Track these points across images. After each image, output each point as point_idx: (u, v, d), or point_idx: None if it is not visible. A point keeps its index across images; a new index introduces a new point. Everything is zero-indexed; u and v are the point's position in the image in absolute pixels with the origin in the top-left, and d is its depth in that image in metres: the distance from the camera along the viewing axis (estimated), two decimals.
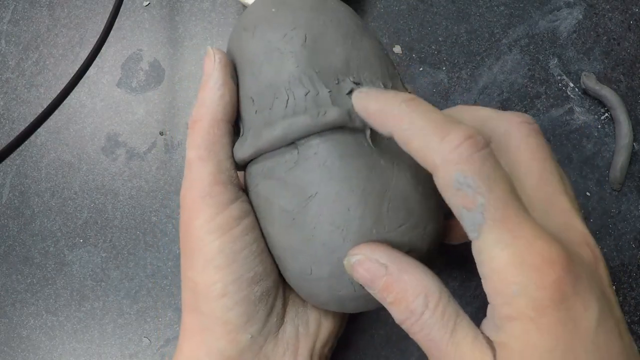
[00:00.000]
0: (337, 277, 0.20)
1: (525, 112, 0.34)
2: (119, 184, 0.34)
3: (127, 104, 0.35)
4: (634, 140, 0.33)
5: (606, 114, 0.34)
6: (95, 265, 0.33)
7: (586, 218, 0.32)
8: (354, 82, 0.21)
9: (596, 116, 0.34)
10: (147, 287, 0.32)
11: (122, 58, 0.36)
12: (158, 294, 0.32)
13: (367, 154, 0.20)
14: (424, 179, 0.21)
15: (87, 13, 0.37)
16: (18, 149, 0.28)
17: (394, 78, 0.22)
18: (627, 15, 0.35)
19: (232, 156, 0.22)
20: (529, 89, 0.34)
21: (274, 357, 0.22)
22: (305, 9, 0.21)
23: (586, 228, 0.19)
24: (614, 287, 0.31)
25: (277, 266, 0.23)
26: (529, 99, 0.34)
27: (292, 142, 0.20)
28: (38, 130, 0.26)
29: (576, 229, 0.19)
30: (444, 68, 0.35)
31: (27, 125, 0.25)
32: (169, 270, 0.33)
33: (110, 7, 0.32)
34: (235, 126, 0.23)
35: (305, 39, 0.21)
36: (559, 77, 0.35)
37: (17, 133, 0.25)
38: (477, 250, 0.17)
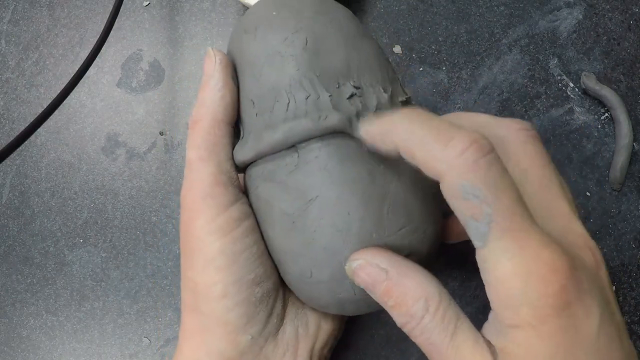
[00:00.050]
0: (337, 280, 0.20)
1: (525, 112, 0.34)
2: (119, 184, 0.34)
3: (127, 104, 0.35)
4: (634, 140, 0.33)
5: (606, 114, 0.34)
6: (95, 265, 0.33)
7: (586, 218, 0.32)
8: (355, 86, 0.21)
9: (596, 116, 0.34)
10: (147, 287, 0.32)
11: (122, 58, 0.36)
12: (158, 294, 0.32)
13: (367, 158, 0.20)
14: (423, 183, 0.21)
15: (87, 13, 0.37)
16: (18, 149, 0.28)
17: (394, 82, 0.22)
18: (627, 15, 0.35)
19: (233, 158, 0.22)
20: (529, 89, 0.34)
21: (273, 358, 0.22)
22: (307, 12, 0.21)
23: (586, 232, 0.19)
24: (614, 287, 0.31)
25: (277, 268, 0.23)
26: (529, 99, 0.34)
27: (292, 146, 0.20)
28: (38, 130, 0.26)
29: (577, 233, 0.19)
30: (444, 68, 0.35)
31: (27, 125, 0.25)
32: (169, 270, 0.33)
33: (110, 7, 0.32)
34: (235, 128, 0.23)
35: (307, 42, 0.21)
36: (559, 77, 0.35)
37: (17, 133, 0.25)
38: (482, 259, 0.17)
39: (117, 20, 0.32)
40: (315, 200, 0.20)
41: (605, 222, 0.32)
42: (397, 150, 0.18)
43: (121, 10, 0.32)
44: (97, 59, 0.30)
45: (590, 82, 0.33)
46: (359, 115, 0.20)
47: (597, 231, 0.32)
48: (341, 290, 0.21)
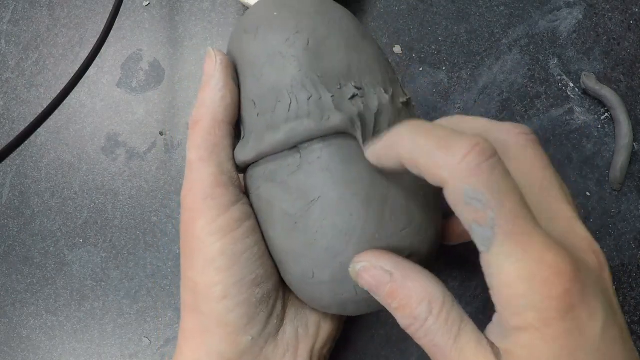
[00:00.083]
0: (339, 281, 0.20)
1: (525, 112, 0.34)
2: (119, 184, 0.34)
3: (127, 104, 0.35)
4: (634, 140, 0.33)
5: (606, 114, 0.34)
6: (95, 265, 0.33)
7: (586, 218, 0.32)
8: (356, 87, 0.21)
9: (596, 116, 0.34)
10: (147, 287, 0.32)
11: (122, 58, 0.36)
12: (158, 294, 0.32)
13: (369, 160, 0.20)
14: (424, 184, 0.21)
15: (87, 13, 0.37)
16: (18, 149, 0.28)
17: (394, 83, 0.22)
18: (627, 15, 0.35)
19: (233, 158, 0.22)
20: (529, 89, 0.34)
21: (274, 358, 0.22)
22: (308, 13, 0.21)
23: (589, 234, 0.19)
24: (613, 287, 0.31)
25: (277, 269, 0.23)
26: (529, 99, 0.34)
27: (294, 146, 0.20)
28: (38, 130, 0.26)
29: (581, 236, 0.19)
30: (444, 68, 0.35)
31: (27, 125, 0.25)
32: (169, 270, 0.33)
33: (110, 7, 0.32)
34: (235, 128, 0.23)
35: (308, 43, 0.20)
36: (559, 77, 0.35)
37: (17, 133, 0.25)
38: (486, 263, 0.17)
39: (117, 20, 0.32)
40: (318, 201, 0.20)
41: (605, 222, 0.32)
42: (402, 163, 0.18)
43: (121, 10, 0.32)
44: (97, 59, 0.30)
45: (590, 82, 0.33)
46: (361, 115, 0.20)
47: (597, 231, 0.32)
48: (343, 290, 0.21)
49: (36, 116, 0.25)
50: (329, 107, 0.20)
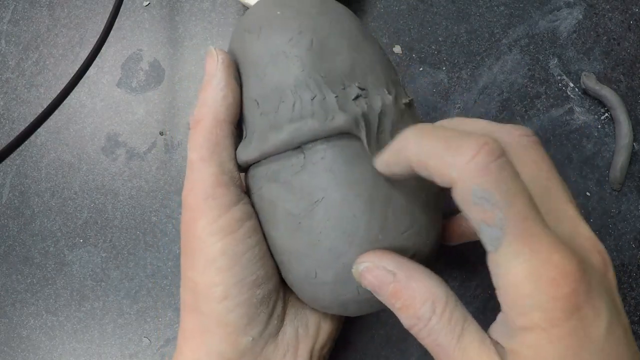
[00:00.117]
0: (341, 281, 0.20)
1: (525, 112, 0.34)
2: (119, 184, 0.34)
3: (127, 104, 0.35)
4: (634, 140, 0.33)
5: (606, 114, 0.34)
6: (95, 265, 0.33)
7: (586, 218, 0.32)
8: (360, 88, 0.20)
9: (596, 116, 0.34)
10: (147, 287, 0.32)
11: (122, 58, 0.36)
12: (158, 294, 0.32)
13: (372, 161, 0.20)
14: (426, 185, 0.21)
15: (87, 13, 0.37)
16: (18, 149, 0.28)
17: (397, 84, 0.22)
18: (627, 15, 0.35)
19: (235, 158, 0.22)
20: (529, 89, 0.34)
21: (274, 359, 0.22)
22: (311, 13, 0.21)
23: (593, 234, 0.19)
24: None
25: (278, 269, 0.23)
26: (529, 99, 0.34)
27: (298, 146, 0.20)
28: (38, 130, 0.26)
29: (585, 236, 0.19)
30: (444, 68, 0.35)
31: (27, 125, 0.25)
32: (169, 270, 0.33)
33: (110, 7, 0.32)
34: (237, 128, 0.23)
35: (312, 43, 0.20)
36: (559, 77, 0.35)
37: (17, 133, 0.25)
38: (493, 263, 0.17)
39: (117, 20, 0.32)
40: (321, 202, 0.20)
41: (605, 222, 0.32)
42: (411, 166, 0.18)
43: (121, 10, 0.32)
44: (97, 59, 0.30)
45: (590, 82, 0.33)
46: (365, 116, 0.20)
47: (597, 231, 0.32)
48: (345, 291, 0.21)
49: (36, 116, 0.25)
50: (332, 108, 0.20)
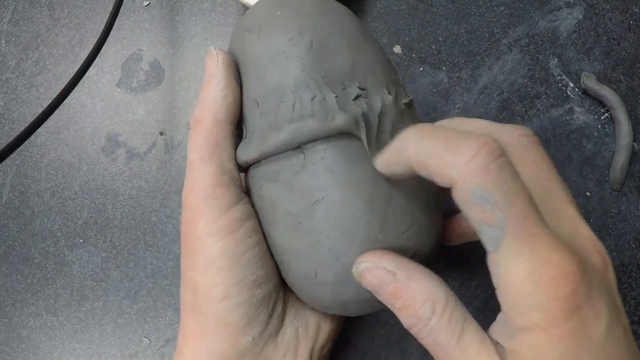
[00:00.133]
0: (341, 281, 0.20)
1: (525, 112, 0.34)
2: (119, 184, 0.34)
3: (127, 104, 0.35)
4: (634, 140, 0.33)
5: (606, 114, 0.34)
6: (95, 265, 0.33)
7: (586, 218, 0.32)
8: (360, 88, 0.20)
9: (596, 116, 0.34)
10: (147, 287, 0.32)
11: (122, 58, 0.36)
12: (158, 294, 0.32)
13: (372, 161, 0.20)
14: (426, 185, 0.21)
15: (87, 13, 0.37)
16: (18, 149, 0.28)
17: (397, 84, 0.22)
18: (627, 15, 0.35)
19: (235, 158, 0.22)
20: (529, 89, 0.34)
21: (274, 359, 0.22)
22: (311, 13, 0.21)
23: (593, 234, 0.19)
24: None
25: (278, 269, 0.23)
26: (529, 99, 0.34)
27: (298, 146, 0.20)
28: (38, 130, 0.26)
29: (585, 236, 0.19)
30: (444, 68, 0.35)
31: (27, 125, 0.25)
32: (169, 270, 0.33)
33: (110, 7, 0.32)
34: (237, 128, 0.23)
35: (312, 43, 0.20)
36: (559, 77, 0.35)
37: (17, 133, 0.25)
38: (493, 263, 0.17)
39: (117, 20, 0.32)
40: (321, 202, 0.20)
41: (605, 222, 0.32)
42: (411, 166, 0.18)
43: (121, 10, 0.32)
44: (97, 59, 0.30)
45: (590, 82, 0.33)
46: (365, 116, 0.20)
47: (597, 231, 0.32)
48: (345, 291, 0.21)
49: (36, 116, 0.25)
50: (333, 108, 0.20)
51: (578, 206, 0.20)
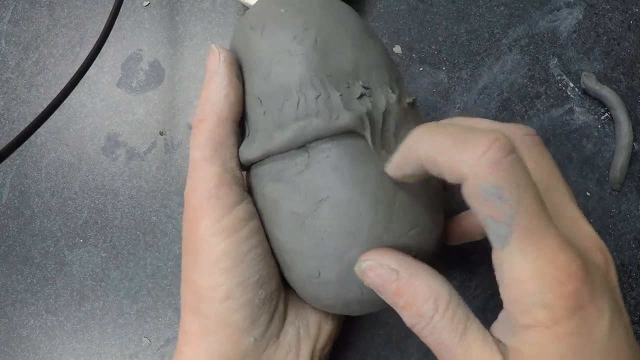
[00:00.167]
0: (345, 280, 0.20)
1: (525, 112, 0.34)
2: (119, 184, 0.34)
3: (127, 104, 0.35)
4: (634, 140, 0.33)
5: (606, 114, 0.34)
6: (95, 265, 0.33)
7: (586, 218, 0.32)
8: (364, 87, 0.20)
9: (596, 116, 0.34)
10: (147, 287, 0.32)
11: (122, 58, 0.36)
12: (158, 294, 0.32)
13: (377, 160, 0.20)
14: (430, 184, 0.21)
15: (87, 13, 0.37)
16: (18, 149, 0.28)
17: (400, 83, 0.22)
18: (627, 15, 0.35)
19: (237, 156, 0.22)
20: (529, 89, 0.34)
21: (275, 359, 0.22)
22: (315, 11, 0.21)
23: (595, 233, 0.19)
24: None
25: (279, 269, 0.23)
26: (529, 99, 0.34)
27: (302, 145, 0.20)
28: (38, 130, 0.26)
29: (587, 235, 0.19)
30: (444, 68, 0.35)
31: (27, 125, 0.25)
32: (169, 270, 0.33)
33: (110, 7, 0.32)
34: (239, 126, 0.23)
35: (316, 41, 0.20)
36: (559, 77, 0.35)
37: (17, 133, 0.25)
38: (498, 260, 0.17)
39: (117, 20, 0.32)
40: (326, 201, 0.20)
41: (605, 222, 0.32)
42: (422, 164, 0.18)
43: (121, 10, 0.32)
44: (97, 59, 0.30)
45: (590, 82, 0.33)
46: (369, 115, 0.20)
47: (597, 231, 0.32)
48: (348, 290, 0.21)
49: (36, 116, 0.25)
50: (337, 106, 0.20)
51: (578, 206, 0.20)
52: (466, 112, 0.34)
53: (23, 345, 0.32)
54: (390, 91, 0.21)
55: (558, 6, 0.36)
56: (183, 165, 0.34)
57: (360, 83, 0.20)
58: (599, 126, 0.34)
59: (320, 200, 0.20)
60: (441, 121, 0.24)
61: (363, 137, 0.20)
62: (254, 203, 0.22)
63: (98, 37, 0.30)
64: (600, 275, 0.17)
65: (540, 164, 0.21)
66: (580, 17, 0.36)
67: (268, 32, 0.21)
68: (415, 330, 0.19)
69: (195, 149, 0.21)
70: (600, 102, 0.34)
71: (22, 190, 0.34)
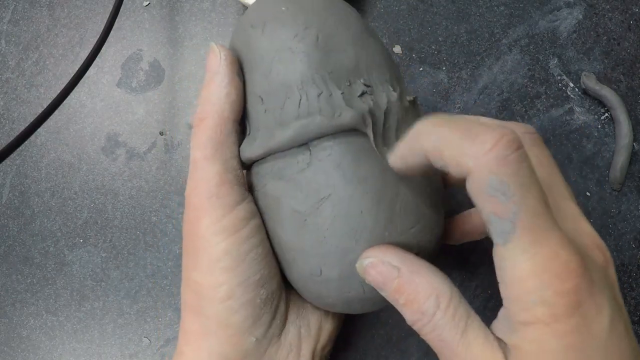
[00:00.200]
0: (347, 278, 0.20)
1: (525, 112, 0.34)
2: (119, 184, 0.34)
3: (127, 104, 0.35)
4: (634, 140, 0.33)
5: (606, 114, 0.34)
6: (95, 265, 0.33)
7: (586, 218, 0.32)
8: (365, 85, 0.20)
9: (596, 116, 0.34)
10: (147, 287, 0.32)
11: (122, 58, 0.36)
12: (158, 294, 0.32)
13: (379, 157, 0.20)
14: (432, 182, 0.21)
15: (87, 13, 0.37)
16: (18, 149, 0.28)
17: (400, 82, 0.22)
18: (627, 15, 0.35)
19: (238, 155, 0.22)
20: (529, 89, 0.34)
21: (277, 359, 0.22)
22: (316, 10, 0.21)
23: (595, 231, 0.19)
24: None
25: (280, 268, 0.22)
26: (529, 99, 0.34)
27: (304, 143, 0.20)
28: (38, 130, 0.26)
29: (587, 233, 0.19)
30: (444, 68, 0.35)
31: (27, 125, 0.25)
32: (169, 270, 0.32)
33: (110, 7, 0.32)
34: (240, 125, 0.23)
35: (317, 39, 0.20)
36: (559, 77, 0.35)
37: (17, 133, 0.24)
38: (500, 256, 0.17)
39: (117, 20, 0.32)
40: (328, 199, 0.20)
41: (605, 222, 0.32)
42: (426, 156, 0.17)
43: (121, 10, 0.32)
44: (97, 59, 0.30)
45: (590, 82, 0.33)
46: (371, 112, 0.20)
47: (597, 231, 0.32)
48: (350, 288, 0.21)
49: (36, 116, 0.25)
50: (339, 104, 0.20)
51: (578, 206, 0.21)
52: (466, 112, 0.34)
53: (23, 345, 0.32)
54: (391, 89, 0.21)
55: (558, 6, 0.36)
56: (183, 165, 0.34)
57: (362, 81, 0.20)
58: (599, 126, 0.34)
59: (322, 198, 0.20)
60: (447, 114, 0.24)
61: (365, 135, 0.20)
62: (255, 202, 0.22)
63: (98, 37, 0.30)
64: (600, 273, 0.17)
65: (540, 163, 0.21)
66: (580, 17, 0.36)
67: (269, 30, 0.21)
68: (416, 327, 0.19)
69: (196, 148, 0.21)
70: (600, 102, 0.34)
71: (22, 190, 0.34)
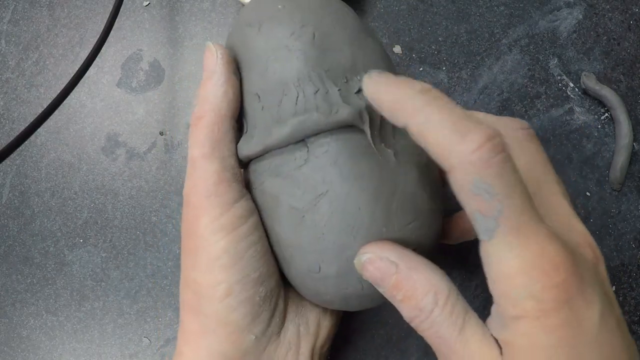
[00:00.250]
0: (345, 275, 0.20)
1: (525, 112, 0.34)
2: (119, 184, 0.34)
3: (127, 104, 0.35)
4: (634, 140, 0.33)
5: (606, 114, 0.34)
6: (95, 265, 0.33)
7: (586, 218, 0.32)
8: (361, 82, 0.21)
9: (596, 116, 0.34)
10: (147, 287, 0.32)
11: (122, 58, 0.36)
12: (158, 294, 0.32)
13: (376, 154, 0.20)
14: (429, 178, 0.21)
15: (87, 13, 0.37)
16: (18, 149, 0.28)
17: None
18: (627, 15, 0.35)
19: (236, 153, 0.22)
20: (529, 89, 0.34)
21: (276, 357, 0.22)
22: (312, 8, 0.21)
23: (586, 229, 0.19)
24: (613, 288, 0.31)
25: (278, 266, 0.23)
26: (529, 99, 0.34)
27: (301, 140, 0.20)
28: (38, 130, 0.26)
29: (577, 230, 0.19)
30: (444, 68, 0.35)
31: (27, 125, 0.25)
32: (169, 270, 0.33)
33: (110, 7, 0.32)
34: (238, 122, 0.23)
35: (314, 37, 0.20)
36: (559, 77, 0.35)
37: (17, 133, 0.25)
38: (486, 253, 0.17)
39: (117, 20, 0.32)
40: (326, 195, 0.20)
41: (605, 222, 0.32)
42: (405, 127, 0.17)
43: (121, 10, 0.32)
44: (97, 59, 0.30)
45: (590, 82, 0.33)
46: (368, 109, 0.20)
47: (597, 231, 0.32)
48: (348, 285, 0.21)
49: (36, 116, 0.25)
50: (336, 101, 0.20)
51: (578, 206, 0.21)
52: None
53: (23, 345, 0.32)
54: None
55: (558, 6, 0.36)
56: (183, 165, 0.34)
57: (358, 78, 0.21)
58: (599, 126, 0.34)
59: (320, 194, 0.20)
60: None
61: (362, 131, 0.20)
62: (253, 199, 0.22)
63: (98, 37, 0.30)
64: (589, 269, 0.17)
65: (532, 159, 0.21)
66: (580, 17, 0.36)
67: (265, 29, 0.21)
68: (414, 323, 0.19)
69: (194, 146, 0.21)
70: (600, 102, 0.34)
71: (22, 190, 0.34)
